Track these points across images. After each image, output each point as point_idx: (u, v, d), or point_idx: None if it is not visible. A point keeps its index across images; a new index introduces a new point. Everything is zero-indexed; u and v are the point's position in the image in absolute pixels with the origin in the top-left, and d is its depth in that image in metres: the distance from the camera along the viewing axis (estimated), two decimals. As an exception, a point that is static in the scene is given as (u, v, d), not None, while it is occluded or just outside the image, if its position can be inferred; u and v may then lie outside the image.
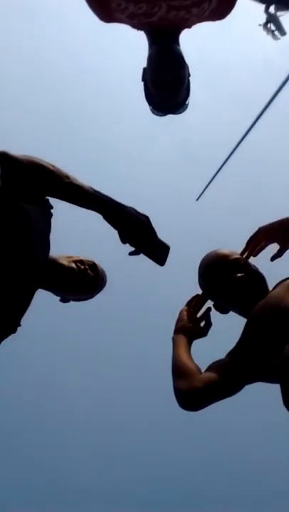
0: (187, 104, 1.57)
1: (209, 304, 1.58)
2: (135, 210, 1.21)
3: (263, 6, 1.28)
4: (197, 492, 9.85)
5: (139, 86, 1.52)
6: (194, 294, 1.61)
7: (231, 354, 1.35)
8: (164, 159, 16.72)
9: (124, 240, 1.21)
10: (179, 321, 1.56)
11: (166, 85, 1.43)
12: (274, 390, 1.19)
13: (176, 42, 1.48)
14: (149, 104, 1.53)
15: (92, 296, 1.53)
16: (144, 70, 1.48)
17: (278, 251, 1.48)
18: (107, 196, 1.19)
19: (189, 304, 1.60)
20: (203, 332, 1.54)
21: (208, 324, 1.54)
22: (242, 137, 6.39)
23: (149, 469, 10.43)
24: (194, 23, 1.47)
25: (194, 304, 1.60)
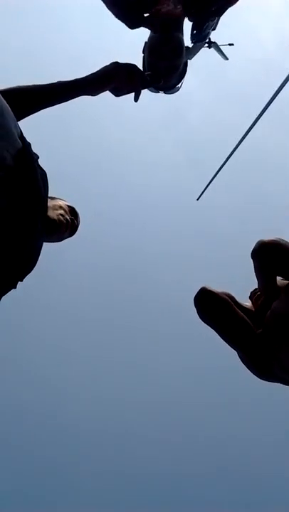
0: (179, 87, 1.60)
1: None
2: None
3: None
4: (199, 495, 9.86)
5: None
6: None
7: None
8: (165, 160, 16.72)
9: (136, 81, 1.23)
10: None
11: (159, 72, 1.46)
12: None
13: (179, 29, 1.50)
14: None
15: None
16: (145, 44, 1.52)
17: None
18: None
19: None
20: None
21: None
22: (242, 137, 6.40)
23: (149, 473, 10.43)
24: None
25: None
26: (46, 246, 1.24)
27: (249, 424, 13.20)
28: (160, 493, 12.63)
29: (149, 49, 1.49)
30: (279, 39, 14.03)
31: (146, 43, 1.52)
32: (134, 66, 1.25)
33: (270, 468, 12.37)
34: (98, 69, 1.24)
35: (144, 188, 15.20)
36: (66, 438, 12.99)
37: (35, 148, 1.12)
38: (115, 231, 14.72)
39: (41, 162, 1.14)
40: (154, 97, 1.68)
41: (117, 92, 1.27)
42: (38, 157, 1.08)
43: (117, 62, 1.24)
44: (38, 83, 1.16)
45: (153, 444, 13.19)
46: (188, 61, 1.57)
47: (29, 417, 12.90)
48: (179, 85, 1.59)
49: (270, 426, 12.19)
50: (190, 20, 1.36)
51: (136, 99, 1.31)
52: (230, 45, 10.07)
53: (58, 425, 13.05)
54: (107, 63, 1.23)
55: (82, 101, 1.21)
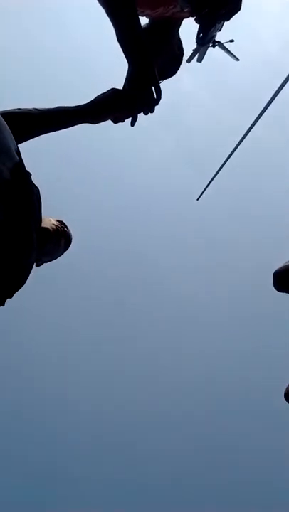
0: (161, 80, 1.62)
1: None
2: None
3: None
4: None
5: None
6: None
7: None
8: (165, 160, 16.70)
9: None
10: None
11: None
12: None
13: (176, 28, 1.50)
14: None
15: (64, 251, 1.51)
16: None
17: None
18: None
19: None
20: None
21: None
22: (242, 137, 6.41)
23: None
24: None
25: None
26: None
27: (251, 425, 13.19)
28: (160, 493, 12.63)
29: None
30: (279, 39, 14.02)
31: None
32: (133, 94, 1.24)
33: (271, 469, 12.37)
34: (97, 96, 1.22)
35: (144, 188, 15.20)
36: (66, 439, 12.99)
37: (34, 148, 1.12)
38: (115, 231, 14.73)
39: (41, 162, 1.14)
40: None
41: (116, 120, 1.27)
42: (31, 174, 1.08)
43: (116, 91, 1.23)
44: (38, 107, 1.14)
45: (154, 445, 13.19)
46: (188, 61, 1.57)
47: (29, 418, 12.90)
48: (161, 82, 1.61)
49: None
50: (197, 22, 1.35)
51: (132, 124, 1.30)
52: (230, 41, 10.08)
53: (58, 426, 13.05)
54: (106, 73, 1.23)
55: (82, 101, 1.21)
